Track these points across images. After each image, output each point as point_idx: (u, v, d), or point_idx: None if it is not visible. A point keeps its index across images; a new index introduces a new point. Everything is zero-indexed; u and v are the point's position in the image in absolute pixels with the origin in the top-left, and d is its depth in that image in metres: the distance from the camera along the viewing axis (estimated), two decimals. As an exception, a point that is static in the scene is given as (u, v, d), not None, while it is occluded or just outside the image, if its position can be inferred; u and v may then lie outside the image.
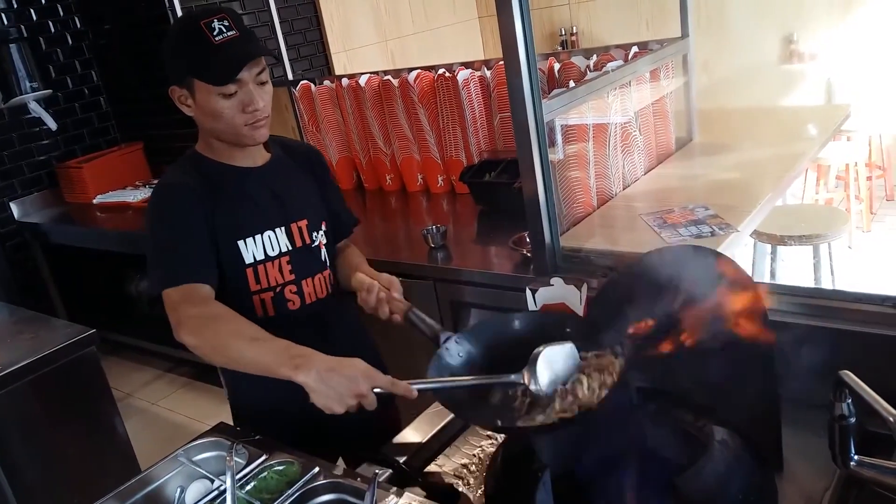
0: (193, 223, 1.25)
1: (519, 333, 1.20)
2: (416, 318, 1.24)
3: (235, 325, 1.16)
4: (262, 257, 1.32)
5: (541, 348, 1.08)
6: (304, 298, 1.37)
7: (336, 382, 1.03)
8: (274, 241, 1.33)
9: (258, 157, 1.36)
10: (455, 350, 1.16)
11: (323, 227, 1.42)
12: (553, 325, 1.20)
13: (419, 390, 1.06)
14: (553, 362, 1.07)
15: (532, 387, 1.06)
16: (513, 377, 1.07)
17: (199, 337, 1.16)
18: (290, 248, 1.35)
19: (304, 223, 1.37)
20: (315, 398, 1.04)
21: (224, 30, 1.20)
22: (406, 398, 1.06)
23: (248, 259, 1.31)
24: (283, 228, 1.34)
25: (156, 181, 3.65)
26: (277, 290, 1.34)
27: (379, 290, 1.29)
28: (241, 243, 1.30)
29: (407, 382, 1.05)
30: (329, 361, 1.06)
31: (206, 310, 1.19)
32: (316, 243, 1.39)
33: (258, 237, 1.31)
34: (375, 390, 1.05)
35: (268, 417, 1.37)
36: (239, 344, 1.13)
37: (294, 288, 1.35)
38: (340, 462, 1.33)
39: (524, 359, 1.09)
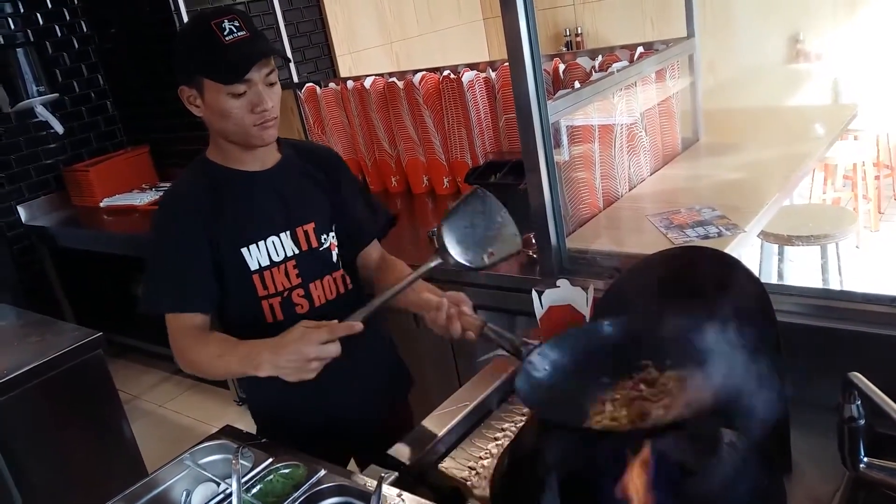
0: (194, 242, 1.28)
1: (608, 339, 1.10)
2: (492, 333, 1.17)
3: (206, 348, 1.26)
4: (268, 263, 1.32)
5: (445, 218, 1.17)
6: (312, 302, 1.36)
7: (287, 357, 1.13)
8: (279, 246, 1.33)
9: (268, 160, 1.36)
10: (540, 363, 1.08)
11: (334, 229, 1.40)
12: (643, 329, 1.09)
13: (361, 320, 1.15)
14: (460, 226, 1.16)
15: (454, 260, 1.16)
16: (431, 263, 1.17)
17: (189, 365, 1.29)
18: (297, 251, 1.34)
19: (310, 226, 1.36)
20: (286, 377, 1.14)
21: (234, 30, 1.20)
22: (353, 333, 1.14)
23: (254, 266, 1.31)
24: (288, 233, 1.34)
25: (162, 184, 3.68)
26: (285, 294, 1.34)
27: (448, 307, 1.23)
28: (244, 251, 1.30)
29: (346, 322, 1.14)
30: (273, 344, 1.16)
31: (193, 340, 1.29)
32: (325, 246, 1.38)
33: (261, 243, 1.31)
34: (325, 344, 1.12)
35: (283, 419, 1.38)
36: (215, 363, 1.25)
37: (301, 292, 1.35)
38: (353, 463, 1.33)
39: (617, 365, 1.04)
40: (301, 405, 1.38)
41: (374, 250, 1.49)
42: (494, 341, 1.17)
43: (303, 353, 1.12)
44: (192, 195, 1.30)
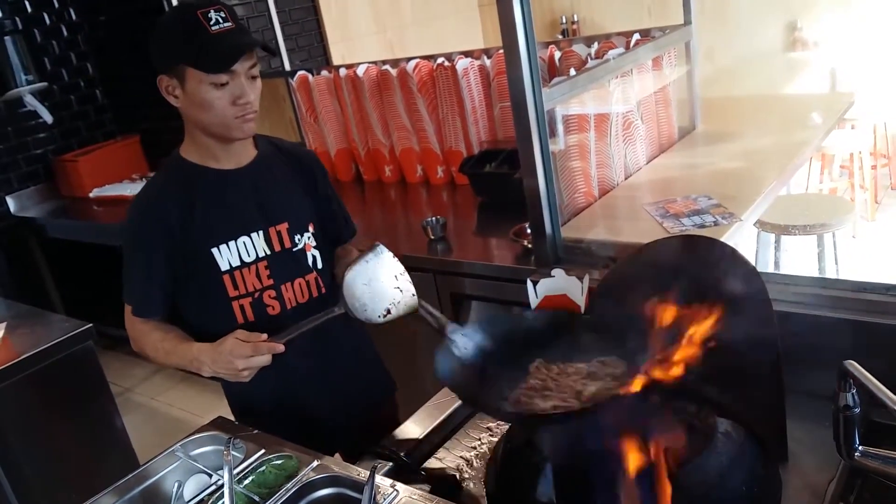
0: (152, 254, 1.29)
1: (530, 326, 1.18)
2: (423, 310, 1.23)
3: (158, 343, 1.31)
4: (238, 263, 1.30)
5: (347, 271, 1.20)
6: (284, 304, 1.34)
7: (223, 366, 1.22)
8: (250, 247, 1.31)
9: (244, 156, 1.34)
10: (462, 343, 1.15)
11: (310, 230, 1.38)
12: (565, 320, 1.18)
13: (284, 342, 1.21)
14: (358, 283, 1.19)
15: (353, 315, 1.21)
16: (335, 310, 1.23)
17: (140, 351, 1.36)
18: (269, 252, 1.33)
19: (283, 227, 1.34)
20: (226, 379, 1.26)
21: (221, 20, 1.20)
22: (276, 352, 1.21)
23: (224, 266, 1.30)
24: (260, 233, 1.32)
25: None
26: (256, 295, 1.32)
27: None
28: (215, 251, 1.29)
29: (270, 340, 1.21)
30: (209, 353, 1.23)
31: (146, 330, 1.35)
32: (299, 246, 1.36)
33: (232, 243, 1.30)
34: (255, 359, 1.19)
35: (264, 413, 1.37)
36: (165, 358, 1.32)
37: (273, 293, 1.33)
38: (338, 456, 1.32)
39: (536, 351, 1.10)
40: (282, 401, 1.38)
41: (350, 249, 1.50)
42: (425, 319, 1.22)
43: (233, 364, 1.20)
44: (161, 200, 1.30)
